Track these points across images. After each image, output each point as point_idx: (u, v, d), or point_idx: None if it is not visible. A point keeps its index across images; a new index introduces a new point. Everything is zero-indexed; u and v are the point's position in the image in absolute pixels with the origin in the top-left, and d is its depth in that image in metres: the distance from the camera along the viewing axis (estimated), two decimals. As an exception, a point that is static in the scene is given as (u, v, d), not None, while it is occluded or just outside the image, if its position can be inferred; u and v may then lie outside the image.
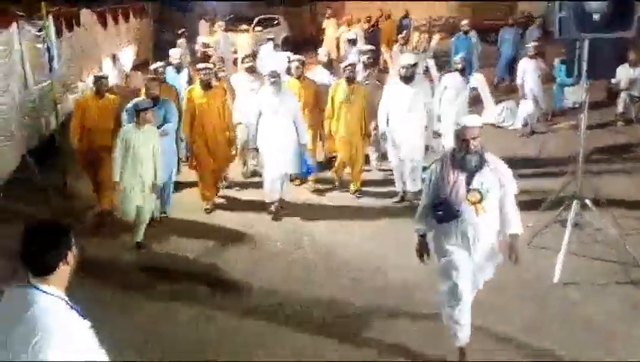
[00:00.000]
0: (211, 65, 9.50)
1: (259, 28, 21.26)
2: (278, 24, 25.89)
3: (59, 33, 12.52)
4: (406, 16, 23.64)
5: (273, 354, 5.77)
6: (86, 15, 15.77)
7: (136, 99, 8.19)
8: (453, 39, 17.42)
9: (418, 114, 8.95)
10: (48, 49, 10.08)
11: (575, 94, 14.12)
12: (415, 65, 8.99)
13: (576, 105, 13.69)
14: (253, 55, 11.46)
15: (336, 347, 5.83)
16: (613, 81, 13.13)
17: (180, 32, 21.25)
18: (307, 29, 31.86)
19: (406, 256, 6.20)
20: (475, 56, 16.83)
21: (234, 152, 9.81)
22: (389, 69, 19.42)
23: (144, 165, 7.73)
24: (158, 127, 8.22)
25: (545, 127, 13.50)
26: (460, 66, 10.76)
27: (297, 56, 10.60)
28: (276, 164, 8.83)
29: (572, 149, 8.87)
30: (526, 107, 13.26)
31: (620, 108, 13.74)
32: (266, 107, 8.73)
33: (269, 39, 18.54)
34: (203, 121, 9.00)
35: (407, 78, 8.86)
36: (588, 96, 7.63)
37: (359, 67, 10.65)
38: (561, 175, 8.78)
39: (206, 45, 19.61)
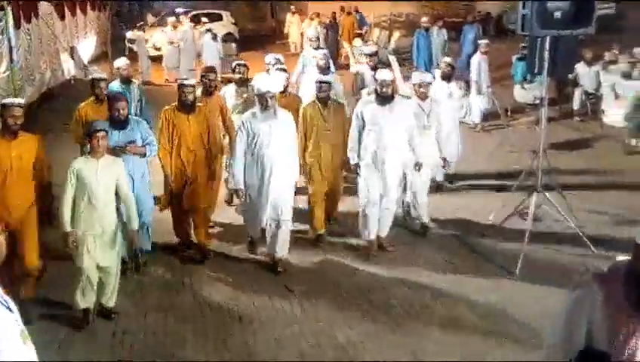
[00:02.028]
0: (193, 82, 7.52)
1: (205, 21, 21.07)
2: (220, 19, 25.60)
3: (17, 24, 12.30)
4: (356, 11, 23.77)
5: None
6: (44, 7, 15.51)
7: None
8: (414, 36, 17.55)
9: (399, 140, 7.31)
10: (9, 40, 9.91)
11: (532, 91, 14.43)
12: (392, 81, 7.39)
13: (537, 102, 13.98)
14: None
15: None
16: (570, 77, 13.45)
17: (138, 25, 21.17)
18: (267, 23, 31.84)
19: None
20: (440, 53, 17.06)
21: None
22: (349, 64, 19.67)
23: (105, 209, 5.93)
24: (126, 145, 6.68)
25: (504, 123, 13.76)
26: (447, 71, 9.79)
27: (275, 57, 9.59)
28: (270, 208, 7.08)
29: (531, 143, 9.14)
30: (483, 102, 13.49)
31: (576, 104, 14.10)
32: (255, 136, 6.93)
33: (208, 30, 18.78)
34: (183, 149, 7.32)
35: (386, 98, 7.24)
36: (547, 93, 7.84)
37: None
38: (519, 170, 8.98)
39: (131, 41, 19.67)
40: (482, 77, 13.20)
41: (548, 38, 7.02)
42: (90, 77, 8.54)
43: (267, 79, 7.17)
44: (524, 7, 6.92)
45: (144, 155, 6.93)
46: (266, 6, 33.06)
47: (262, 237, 7.40)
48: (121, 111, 6.70)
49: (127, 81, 9.18)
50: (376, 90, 7.40)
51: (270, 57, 9.63)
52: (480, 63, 13.21)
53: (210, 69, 8.72)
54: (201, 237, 7.62)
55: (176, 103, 7.41)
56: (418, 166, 7.49)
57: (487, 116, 13.70)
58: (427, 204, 8.16)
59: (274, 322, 6.20)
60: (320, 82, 7.80)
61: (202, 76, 8.39)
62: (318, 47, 12.21)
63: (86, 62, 19.34)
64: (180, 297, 6.76)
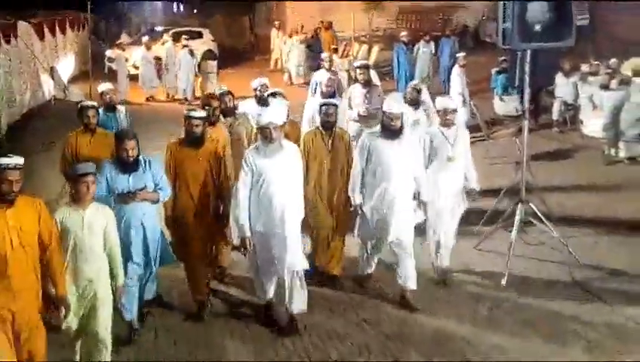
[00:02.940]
0: (203, 114, 6.57)
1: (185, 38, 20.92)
2: (200, 37, 25.37)
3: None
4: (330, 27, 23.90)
5: None
6: (23, 27, 15.46)
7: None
8: (394, 51, 17.70)
9: (408, 180, 6.62)
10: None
11: (511, 103, 14.61)
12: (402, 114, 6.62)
13: (516, 113, 14.12)
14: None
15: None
16: (549, 88, 13.65)
17: (117, 43, 21.08)
18: (246, 38, 31.91)
19: None
20: (422, 68, 17.28)
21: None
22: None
23: (93, 265, 5.16)
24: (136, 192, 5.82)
25: (485, 135, 13.89)
26: (413, 96, 8.94)
27: (262, 82, 8.81)
28: (274, 258, 6.08)
29: (514, 155, 9.23)
30: (464, 114, 13.60)
31: (555, 115, 14.28)
32: (261, 175, 5.96)
33: (184, 46, 19.03)
34: (190, 190, 6.41)
35: (395, 132, 6.52)
36: (528, 105, 7.92)
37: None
38: (503, 182, 9.07)
39: (111, 60, 19.57)
40: (463, 90, 13.35)
41: (529, 51, 7.13)
42: (78, 105, 7.50)
43: (270, 110, 6.34)
44: (504, 20, 7.03)
45: (157, 201, 6.06)
46: (244, 21, 33.12)
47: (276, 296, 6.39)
48: (130, 152, 5.79)
49: (111, 108, 8.36)
50: (383, 123, 6.58)
51: (257, 82, 8.84)
52: (460, 76, 13.35)
53: (212, 96, 7.79)
54: (198, 292, 6.58)
55: (180, 137, 6.63)
56: (423, 205, 6.82)
57: (469, 128, 13.79)
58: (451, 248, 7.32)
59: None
60: (325, 105, 7.03)
61: (204, 104, 7.32)
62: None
63: (66, 82, 19.27)
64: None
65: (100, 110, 7.81)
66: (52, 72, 18.04)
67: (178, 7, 41.55)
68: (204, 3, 34.98)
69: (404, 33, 18.14)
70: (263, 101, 8.37)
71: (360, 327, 6.30)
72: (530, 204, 7.76)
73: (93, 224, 5.11)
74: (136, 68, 20.29)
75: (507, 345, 5.91)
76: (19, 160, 4.63)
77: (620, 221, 8.84)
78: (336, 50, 20.28)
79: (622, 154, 11.80)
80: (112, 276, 5.32)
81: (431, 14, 27.75)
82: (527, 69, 7.24)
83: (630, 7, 19.50)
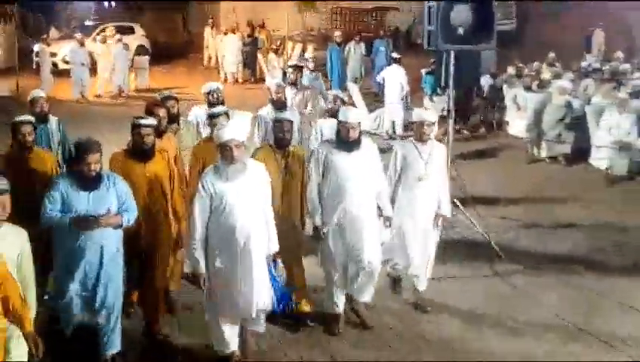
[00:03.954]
0: (154, 122, 5.87)
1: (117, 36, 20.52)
2: (132, 32, 24.74)
3: None
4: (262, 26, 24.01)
5: None
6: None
7: None
8: (327, 50, 17.94)
9: (370, 195, 5.99)
10: None
11: (440, 104, 15.02)
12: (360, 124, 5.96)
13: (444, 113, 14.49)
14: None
15: None
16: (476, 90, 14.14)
17: (43, 37, 20.56)
18: (179, 35, 31.56)
19: None
20: (354, 68, 17.54)
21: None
22: (264, 77, 19.85)
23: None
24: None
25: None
26: (335, 107, 7.66)
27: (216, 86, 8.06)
28: (239, 296, 5.24)
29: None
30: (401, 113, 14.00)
31: (480, 115, 14.78)
32: (221, 200, 5.15)
33: (119, 40, 19.05)
34: (140, 208, 5.54)
35: (352, 143, 5.84)
36: (453, 105, 8.21)
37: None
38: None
39: (38, 55, 19.07)
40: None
41: (452, 53, 7.41)
42: (12, 120, 6.28)
43: (231, 124, 5.65)
44: (429, 23, 7.29)
45: (120, 226, 5.20)
46: (177, 18, 32.75)
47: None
48: (93, 166, 4.99)
49: (43, 118, 7.29)
50: (338, 133, 5.91)
51: (209, 86, 8.05)
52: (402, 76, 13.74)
53: (157, 103, 6.88)
54: (153, 326, 5.86)
55: (125, 148, 5.88)
56: (388, 221, 6.21)
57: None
58: (427, 270, 6.66)
59: None
60: (278, 121, 6.26)
61: (149, 112, 6.35)
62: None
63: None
64: None
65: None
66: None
67: (109, 3, 40.73)
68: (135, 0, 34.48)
69: (337, 33, 18.42)
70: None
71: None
72: (455, 200, 8.02)
73: (6, 249, 4.20)
74: (67, 62, 19.86)
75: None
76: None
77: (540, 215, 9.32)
78: (276, 51, 20.40)
79: (543, 153, 12.28)
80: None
81: (364, 15, 28.13)
82: (451, 70, 7.52)
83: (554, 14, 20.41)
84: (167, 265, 6.10)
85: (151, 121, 5.80)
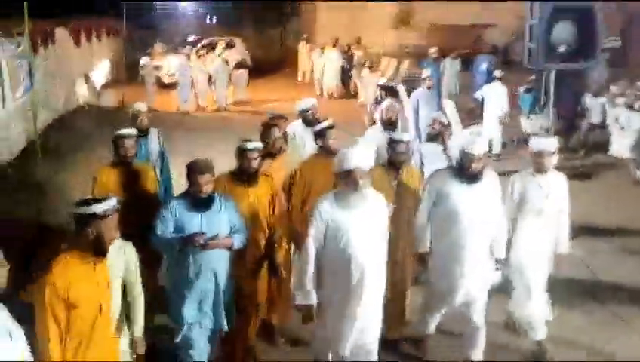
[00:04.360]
0: (260, 145, 5.74)
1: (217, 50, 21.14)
2: (232, 47, 25.35)
3: (34, 49, 12.62)
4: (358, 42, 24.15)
5: None
6: (61, 32, 15.89)
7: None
8: (424, 65, 17.82)
9: (485, 231, 5.55)
10: (28, 64, 10.21)
11: (538, 122, 14.63)
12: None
13: (541, 132, 14.11)
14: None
15: None
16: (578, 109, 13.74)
17: (148, 51, 21.50)
18: (276, 51, 32.27)
19: None
20: (449, 83, 17.40)
21: None
22: (358, 94, 19.99)
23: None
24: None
25: (512, 153, 13.94)
26: (436, 129, 7.68)
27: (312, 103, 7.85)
28: (356, 334, 5.03)
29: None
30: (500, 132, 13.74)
31: (583, 136, 14.30)
32: (338, 230, 4.89)
33: (219, 55, 19.55)
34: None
35: (474, 176, 5.44)
36: (552, 123, 8.04)
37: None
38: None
39: (143, 68, 19.75)
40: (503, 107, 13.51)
41: (553, 72, 7.25)
42: (114, 136, 6.20)
43: (357, 150, 5.08)
44: (530, 40, 7.17)
45: (230, 248, 5.11)
46: (275, 33, 33.56)
47: None
48: (205, 188, 4.92)
49: (143, 132, 7.22)
50: (461, 163, 5.48)
51: (306, 104, 7.86)
52: (503, 94, 13.50)
53: (275, 122, 6.80)
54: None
55: (231, 171, 5.70)
56: (500, 264, 5.73)
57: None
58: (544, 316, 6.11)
59: None
60: (394, 141, 6.04)
61: (266, 129, 6.38)
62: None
63: (99, 88, 19.70)
64: None
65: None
66: (86, 77, 18.47)
67: (210, 19, 42.14)
68: (235, 15, 35.53)
69: (433, 49, 18.25)
70: (312, 124, 7.25)
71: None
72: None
73: (113, 267, 4.28)
74: (171, 76, 20.62)
75: None
76: None
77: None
78: (370, 67, 20.54)
79: (647, 176, 11.79)
80: (133, 324, 4.69)
81: (462, 32, 27.85)
82: (552, 88, 7.36)
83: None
84: (266, 296, 5.86)
85: (258, 144, 5.65)
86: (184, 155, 6.51)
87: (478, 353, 5.67)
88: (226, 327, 5.15)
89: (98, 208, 3.81)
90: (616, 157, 13.21)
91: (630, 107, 13.05)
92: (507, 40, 27.03)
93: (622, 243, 8.80)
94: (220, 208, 5.04)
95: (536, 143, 6.00)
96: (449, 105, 14.77)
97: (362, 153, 4.99)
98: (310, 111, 7.71)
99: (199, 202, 4.96)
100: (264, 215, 5.64)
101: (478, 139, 5.61)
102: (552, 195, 5.89)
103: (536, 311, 5.98)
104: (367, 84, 19.55)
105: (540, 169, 5.89)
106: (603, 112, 14.07)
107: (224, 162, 6.09)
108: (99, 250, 3.86)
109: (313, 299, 4.96)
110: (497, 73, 14.09)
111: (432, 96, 12.55)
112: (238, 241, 5.11)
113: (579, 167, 12.80)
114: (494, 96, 13.58)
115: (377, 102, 9.91)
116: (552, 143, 5.95)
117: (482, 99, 14.15)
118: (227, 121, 17.63)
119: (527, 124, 15.10)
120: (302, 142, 7.44)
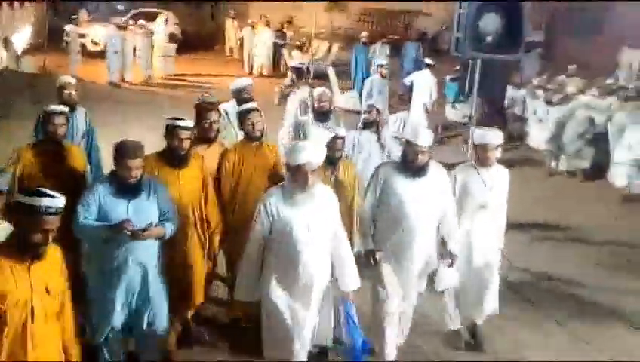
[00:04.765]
0: (191, 124, 5.35)
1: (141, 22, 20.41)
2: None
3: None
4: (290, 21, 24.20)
5: None
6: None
7: None
8: (353, 50, 18.01)
9: (432, 229, 5.31)
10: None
11: (462, 110, 15.01)
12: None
13: (465, 120, 14.51)
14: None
15: None
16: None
17: (73, 18, 20.79)
18: (207, 26, 31.76)
19: None
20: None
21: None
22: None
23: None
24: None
25: (436, 139, 14.24)
26: (373, 116, 7.73)
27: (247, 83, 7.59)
28: (293, 335, 4.71)
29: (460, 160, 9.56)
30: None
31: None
32: (280, 226, 4.64)
33: (142, 26, 19.12)
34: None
35: (420, 169, 5.14)
36: (476, 112, 8.28)
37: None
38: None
39: (68, 34, 19.18)
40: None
41: (479, 61, 7.47)
42: (42, 112, 5.63)
43: (308, 144, 4.73)
44: (458, 30, 7.35)
45: (162, 237, 4.76)
46: (205, 9, 32.98)
47: None
48: (134, 173, 4.51)
49: (71, 106, 6.57)
50: (405, 156, 5.18)
51: (241, 83, 7.62)
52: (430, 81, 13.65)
53: (213, 105, 6.42)
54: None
55: (158, 151, 5.25)
56: (452, 258, 5.40)
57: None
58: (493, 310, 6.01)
59: None
60: (336, 138, 5.96)
61: (201, 113, 5.98)
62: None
63: (19, 53, 19.00)
64: None
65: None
66: (6, 42, 17.77)
67: (140, -11, 41.08)
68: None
69: (364, 34, 18.45)
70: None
71: None
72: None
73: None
74: (95, 44, 20.04)
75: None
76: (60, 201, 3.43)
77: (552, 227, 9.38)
78: (300, 48, 20.55)
79: (562, 167, 12.28)
80: None
81: (393, 18, 28.16)
82: (476, 78, 7.58)
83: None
84: (205, 279, 5.51)
85: (189, 123, 5.22)
86: (110, 127, 6.32)
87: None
88: (163, 326, 4.83)
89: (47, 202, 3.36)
90: (534, 148, 13.71)
91: (549, 102, 13.55)
92: (437, 29, 27.52)
93: (536, 233, 9.15)
94: (150, 195, 4.64)
95: (480, 136, 5.78)
96: (331, 74, 14.94)
97: (314, 147, 4.65)
98: (246, 91, 7.50)
99: (127, 188, 4.53)
100: (196, 199, 5.28)
101: (424, 129, 5.25)
102: (496, 189, 5.73)
103: (485, 308, 5.86)
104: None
105: (483, 163, 5.71)
106: (524, 104, 14.59)
107: (153, 139, 5.84)
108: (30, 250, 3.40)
109: (253, 297, 4.73)
110: (428, 60, 14.34)
111: (385, 84, 12.72)
112: (169, 230, 4.75)
113: (498, 158, 13.22)
114: (423, 83, 13.80)
115: (290, 85, 9.83)
116: (496, 136, 5.75)
117: (411, 86, 14.38)
118: (156, 95, 17.31)
119: (451, 112, 15.49)
120: (234, 122, 7.16)
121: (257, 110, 5.79)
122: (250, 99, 6.85)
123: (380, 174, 5.27)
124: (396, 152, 7.07)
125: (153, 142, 5.62)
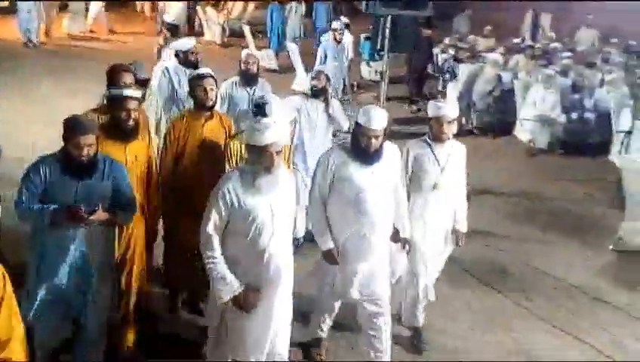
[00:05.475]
0: (139, 94, 4.92)
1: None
2: None
3: None
4: None
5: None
6: None
7: None
8: (268, 9, 17.92)
9: (387, 215, 4.80)
10: None
11: (377, 68, 15.24)
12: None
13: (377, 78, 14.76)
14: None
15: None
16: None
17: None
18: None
19: None
20: (293, 27, 17.57)
21: None
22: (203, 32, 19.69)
23: None
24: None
25: (350, 97, 14.45)
26: (322, 85, 6.99)
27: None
28: (252, 338, 4.31)
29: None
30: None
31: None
32: (250, 217, 4.14)
33: None
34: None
35: (374, 154, 4.62)
36: (388, 69, 8.47)
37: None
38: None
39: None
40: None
41: (389, 18, 7.64)
42: None
43: (273, 125, 4.03)
44: (369, -13, 7.50)
45: (113, 225, 4.38)
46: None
47: None
48: (86, 150, 4.06)
49: None
50: (355, 140, 4.64)
51: (186, 44, 7.34)
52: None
53: (126, 68, 5.62)
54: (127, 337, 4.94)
55: (102, 123, 4.80)
56: (407, 244, 5.06)
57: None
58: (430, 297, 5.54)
59: None
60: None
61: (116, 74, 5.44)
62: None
63: None
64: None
65: None
66: None
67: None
68: None
69: (280, -9, 18.35)
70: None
71: None
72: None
73: None
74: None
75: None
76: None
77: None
78: (215, 6, 20.19)
79: (472, 123, 12.69)
80: None
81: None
82: (387, 34, 7.75)
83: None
84: (143, 267, 4.99)
85: (137, 92, 4.74)
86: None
87: (386, 356, 4.93)
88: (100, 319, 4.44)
89: None
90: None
91: (458, 59, 13.93)
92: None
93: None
94: (104, 176, 4.20)
95: (434, 108, 5.11)
96: (294, 50, 14.96)
97: (280, 126, 4.12)
98: (193, 54, 7.19)
99: (77, 167, 4.07)
100: (142, 176, 4.81)
101: (378, 109, 4.64)
102: (450, 167, 5.17)
103: (426, 293, 5.42)
104: (212, 23, 19.32)
105: (437, 137, 5.12)
106: (436, 64, 14.96)
107: (72, 105, 5.49)
108: None
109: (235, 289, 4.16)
110: (344, 19, 14.44)
111: (340, 49, 12.42)
112: (123, 218, 4.35)
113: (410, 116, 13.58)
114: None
115: (165, 42, 9.47)
116: (453, 109, 5.10)
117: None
118: (74, 54, 16.70)
119: (366, 70, 15.71)
120: (173, 84, 6.92)
121: (212, 76, 5.32)
122: (197, 63, 6.64)
123: (330, 160, 4.70)
124: (344, 123, 7.07)
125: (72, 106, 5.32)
